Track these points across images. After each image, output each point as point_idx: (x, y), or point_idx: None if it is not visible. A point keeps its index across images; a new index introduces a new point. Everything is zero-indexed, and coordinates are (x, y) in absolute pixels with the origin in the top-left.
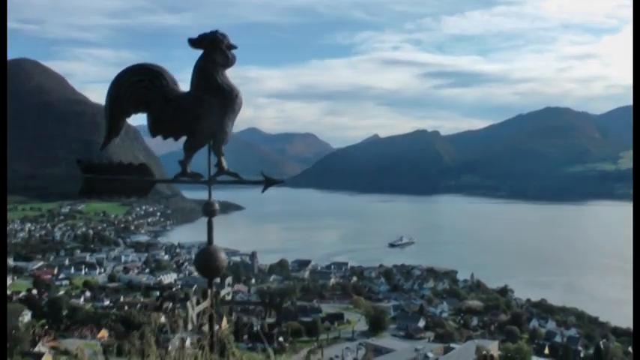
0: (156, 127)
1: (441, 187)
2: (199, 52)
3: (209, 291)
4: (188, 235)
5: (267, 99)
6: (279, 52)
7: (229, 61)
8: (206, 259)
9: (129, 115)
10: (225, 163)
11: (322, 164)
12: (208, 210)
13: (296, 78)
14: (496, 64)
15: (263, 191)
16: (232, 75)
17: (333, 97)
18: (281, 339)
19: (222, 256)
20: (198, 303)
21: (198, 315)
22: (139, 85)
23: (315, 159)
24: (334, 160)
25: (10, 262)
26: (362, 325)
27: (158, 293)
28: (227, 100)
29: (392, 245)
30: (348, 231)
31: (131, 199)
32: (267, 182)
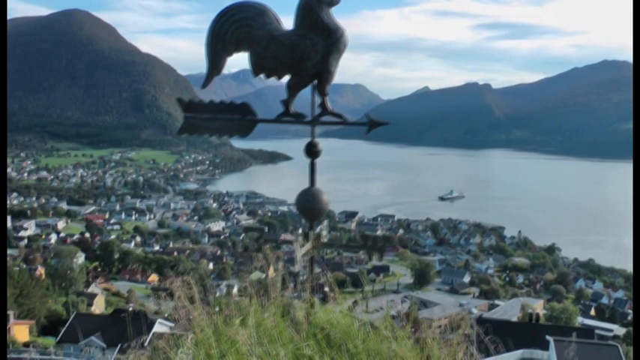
0: (258, 66)
1: (491, 141)
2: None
3: (310, 233)
4: (236, 183)
5: None
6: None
7: (334, 0)
8: (308, 201)
9: (230, 54)
10: (329, 104)
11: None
12: (311, 150)
13: (346, 28)
14: (552, 15)
15: (367, 132)
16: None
17: (383, 48)
18: (326, 289)
19: (325, 198)
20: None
21: (303, 256)
22: (241, 23)
23: (363, 110)
24: (383, 112)
25: (64, 205)
26: (407, 278)
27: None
28: (332, 39)
29: (442, 199)
30: (395, 183)
31: (232, 137)
32: (372, 124)
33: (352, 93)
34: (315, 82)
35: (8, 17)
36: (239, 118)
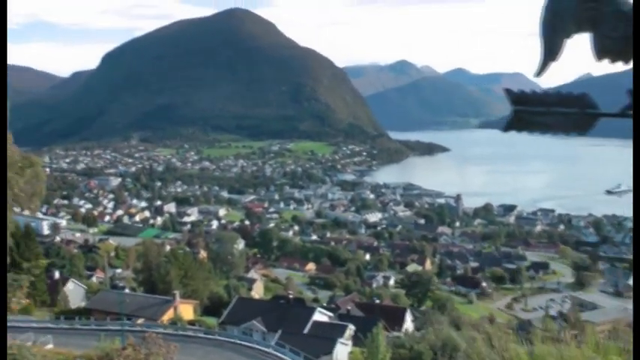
0: (604, 49)
1: None
2: None
3: None
4: (393, 175)
5: (475, 38)
6: None
7: None
8: None
9: (569, 35)
10: None
11: None
12: None
13: (504, 11)
14: None
15: None
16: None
17: None
18: (484, 284)
19: None
20: None
21: None
22: None
23: None
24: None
25: (225, 194)
26: (568, 277)
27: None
28: None
29: (609, 192)
30: (556, 176)
31: (569, 134)
32: None
33: (511, 82)
34: None
35: (169, 22)
36: (577, 111)
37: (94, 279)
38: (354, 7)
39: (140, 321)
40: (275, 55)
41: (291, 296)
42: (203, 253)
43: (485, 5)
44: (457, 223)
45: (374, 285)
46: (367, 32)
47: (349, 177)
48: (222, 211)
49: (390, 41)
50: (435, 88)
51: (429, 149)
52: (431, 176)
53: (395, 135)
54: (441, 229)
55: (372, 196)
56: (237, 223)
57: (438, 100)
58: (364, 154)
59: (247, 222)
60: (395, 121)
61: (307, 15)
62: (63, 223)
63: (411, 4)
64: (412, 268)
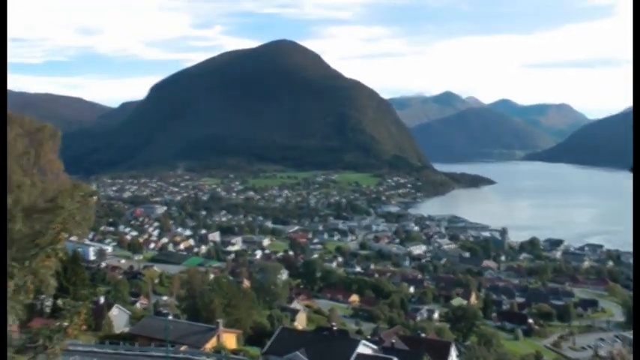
0: None
1: None
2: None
3: None
4: (438, 207)
5: (520, 69)
6: (532, 17)
7: None
8: None
9: None
10: None
11: (577, 137)
12: None
13: (550, 44)
14: None
15: None
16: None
17: (590, 64)
18: (531, 321)
19: None
20: None
21: None
22: None
23: (569, 131)
24: (590, 133)
25: (269, 224)
26: (618, 316)
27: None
28: None
29: None
30: (604, 210)
31: None
32: None
33: (557, 113)
34: None
35: (218, 53)
36: None
37: (137, 305)
38: (400, 39)
39: (183, 348)
40: (320, 87)
41: (334, 328)
42: (246, 283)
43: (531, 37)
44: (502, 257)
45: (418, 318)
46: (413, 64)
47: (394, 209)
48: (266, 241)
49: (435, 73)
50: (480, 120)
51: (475, 182)
52: (476, 209)
53: (440, 167)
54: (486, 262)
55: (416, 228)
56: (280, 254)
57: (483, 132)
58: (409, 185)
59: (291, 252)
60: (440, 153)
61: (353, 47)
62: (109, 249)
63: (456, 36)
64: (457, 301)
